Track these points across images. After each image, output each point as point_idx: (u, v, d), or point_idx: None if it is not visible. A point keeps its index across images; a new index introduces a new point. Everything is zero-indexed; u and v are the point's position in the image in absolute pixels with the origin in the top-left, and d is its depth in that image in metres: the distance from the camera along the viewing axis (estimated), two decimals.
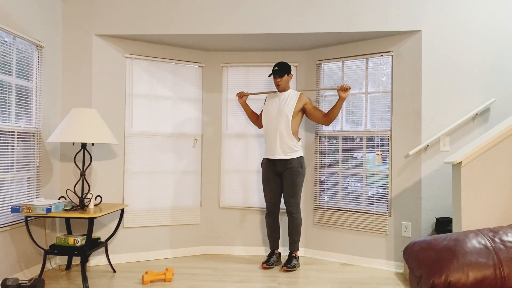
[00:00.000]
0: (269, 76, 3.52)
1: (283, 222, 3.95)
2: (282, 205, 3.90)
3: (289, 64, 4.01)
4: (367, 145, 3.68)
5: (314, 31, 3.47)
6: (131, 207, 3.72)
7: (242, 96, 3.70)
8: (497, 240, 1.74)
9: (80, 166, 3.55)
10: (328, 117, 3.45)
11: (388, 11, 3.41)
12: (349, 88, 3.33)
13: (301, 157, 3.50)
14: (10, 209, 2.97)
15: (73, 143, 3.54)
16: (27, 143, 3.16)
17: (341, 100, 3.37)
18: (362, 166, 3.70)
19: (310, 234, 3.96)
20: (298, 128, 3.53)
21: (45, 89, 3.37)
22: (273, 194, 3.58)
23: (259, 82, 4.05)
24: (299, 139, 3.52)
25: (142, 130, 3.78)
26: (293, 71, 4.04)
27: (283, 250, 3.96)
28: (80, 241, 3.08)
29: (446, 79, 3.39)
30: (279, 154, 3.48)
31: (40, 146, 3.31)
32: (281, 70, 3.48)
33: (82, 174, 3.22)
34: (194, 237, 4.00)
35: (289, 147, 3.45)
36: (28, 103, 3.19)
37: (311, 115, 3.52)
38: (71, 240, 3.08)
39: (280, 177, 3.56)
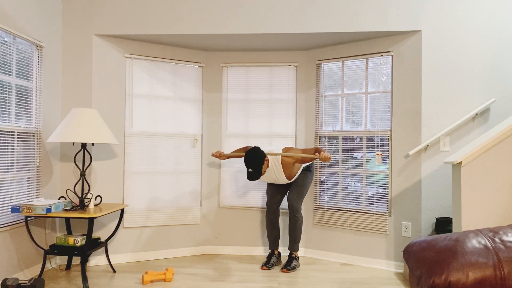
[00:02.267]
0: (248, 179, 3.21)
1: (283, 222, 3.95)
2: (283, 205, 3.90)
3: (288, 64, 4.01)
4: (367, 145, 3.68)
5: (314, 31, 3.47)
6: (131, 207, 3.72)
7: (220, 156, 3.52)
8: (497, 240, 1.74)
9: (80, 166, 3.55)
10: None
11: (388, 11, 3.41)
12: (329, 159, 3.14)
13: (310, 163, 3.55)
14: (10, 209, 2.97)
15: (73, 143, 3.54)
16: (27, 143, 3.16)
17: (313, 158, 3.22)
18: (362, 166, 3.70)
19: (310, 234, 3.96)
20: (297, 165, 3.40)
21: (45, 89, 3.37)
22: (277, 194, 3.59)
23: (259, 82, 4.05)
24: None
25: (142, 130, 3.78)
26: (293, 71, 4.04)
27: (283, 250, 3.95)
28: (80, 241, 3.08)
29: (446, 79, 3.39)
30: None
31: (40, 146, 3.31)
32: (257, 171, 3.17)
33: (82, 174, 3.22)
34: (194, 237, 4.00)
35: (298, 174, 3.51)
36: (28, 103, 3.19)
37: (302, 163, 3.38)
38: (71, 240, 3.08)
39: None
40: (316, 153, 3.21)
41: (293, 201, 3.47)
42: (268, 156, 3.33)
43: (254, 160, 3.17)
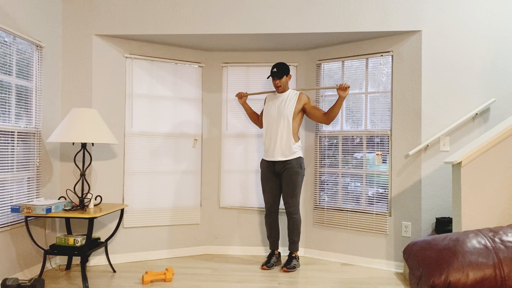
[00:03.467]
0: (268, 78, 3.51)
1: (283, 222, 3.95)
2: (282, 205, 3.90)
3: (288, 64, 4.01)
4: (367, 145, 3.68)
5: (314, 31, 3.47)
6: (131, 207, 3.72)
7: (241, 96, 3.69)
8: (497, 240, 1.74)
9: (80, 166, 3.55)
10: (328, 116, 3.43)
11: (388, 11, 3.41)
12: (348, 87, 3.31)
13: (300, 157, 3.49)
14: (10, 209, 2.97)
15: (73, 143, 3.54)
16: (27, 143, 3.16)
17: (340, 99, 3.35)
18: (362, 166, 3.70)
19: (310, 234, 3.96)
20: (298, 128, 3.53)
21: (45, 89, 3.37)
22: (272, 195, 3.57)
23: (259, 82, 4.05)
24: (299, 139, 3.52)
25: (142, 130, 3.78)
26: (293, 71, 4.04)
27: (283, 250, 3.96)
28: (80, 241, 3.08)
29: (446, 79, 3.39)
30: (278, 156, 3.48)
31: (40, 146, 3.31)
32: (279, 72, 3.45)
33: (82, 174, 3.22)
34: (194, 237, 4.00)
35: (289, 149, 3.44)
36: (28, 103, 3.19)
37: (311, 115, 3.51)
38: (71, 240, 3.08)
39: (279, 178, 3.55)
40: (336, 84, 3.54)
41: (288, 202, 3.47)
42: (289, 87, 3.62)
43: (282, 64, 3.49)
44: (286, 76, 3.49)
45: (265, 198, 3.61)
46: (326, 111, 3.48)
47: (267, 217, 3.63)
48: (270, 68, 4.04)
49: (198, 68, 4.05)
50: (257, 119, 3.78)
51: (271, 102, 3.58)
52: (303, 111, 3.54)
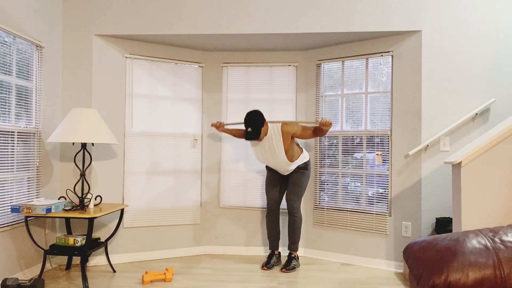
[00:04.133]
0: (246, 139, 3.27)
1: (283, 222, 3.95)
2: (283, 205, 3.90)
3: (288, 64, 4.01)
4: (367, 145, 3.68)
5: (314, 31, 3.47)
6: (131, 207, 3.72)
7: (218, 126, 3.54)
8: (497, 240, 1.74)
9: (80, 166, 3.55)
10: (316, 135, 3.34)
11: (388, 11, 3.41)
12: (331, 124, 3.15)
13: (306, 162, 3.53)
14: (10, 209, 2.97)
15: (73, 143, 3.54)
16: (27, 143, 3.16)
17: (323, 130, 3.25)
18: (362, 166, 3.70)
19: (310, 234, 3.96)
20: (295, 147, 3.46)
21: (45, 89, 3.37)
22: (276, 192, 3.59)
23: (259, 82, 4.05)
24: (300, 150, 3.51)
25: (142, 130, 3.78)
26: (293, 71, 4.04)
27: (283, 250, 3.95)
28: (80, 241, 3.08)
29: (446, 79, 3.39)
30: (284, 173, 3.55)
31: (40, 146, 3.30)
32: (256, 131, 3.19)
33: (82, 174, 3.22)
34: (194, 237, 4.00)
35: (294, 166, 3.47)
36: (28, 103, 3.19)
37: (301, 137, 3.39)
38: (71, 240, 3.08)
39: (286, 178, 3.61)
40: (317, 120, 3.25)
41: (292, 201, 3.48)
42: (268, 124, 3.34)
43: (254, 119, 3.18)
44: (263, 127, 3.24)
45: (268, 196, 3.62)
46: (314, 130, 3.32)
47: (268, 216, 3.63)
48: (270, 68, 4.03)
49: (198, 68, 4.05)
50: (243, 134, 3.65)
51: (255, 145, 3.42)
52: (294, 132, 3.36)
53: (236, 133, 3.66)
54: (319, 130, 3.29)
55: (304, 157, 3.51)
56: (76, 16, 3.57)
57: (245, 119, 3.23)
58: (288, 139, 3.31)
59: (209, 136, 4.07)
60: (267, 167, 3.67)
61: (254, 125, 3.18)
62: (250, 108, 4.05)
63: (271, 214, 3.62)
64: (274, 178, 3.61)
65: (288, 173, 3.54)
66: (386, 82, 3.61)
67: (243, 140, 4.05)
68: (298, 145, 3.55)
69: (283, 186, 3.63)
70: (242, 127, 3.23)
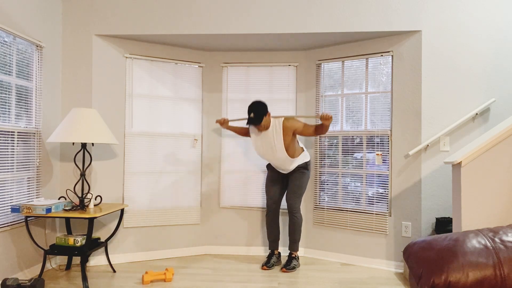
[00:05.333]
0: (247, 124, 3.27)
1: (283, 222, 3.95)
2: (283, 205, 3.90)
3: (288, 64, 4.01)
4: (367, 145, 3.68)
5: (314, 31, 3.47)
6: (131, 207, 3.72)
7: (222, 123, 3.55)
8: (497, 240, 1.74)
9: (80, 166, 3.55)
10: (318, 133, 3.32)
11: (388, 11, 3.41)
12: (331, 118, 3.14)
13: (307, 161, 3.52)
14: (10, 209, 2.97)
15: (73, 143, 3.54)
16: (27, 143, 3.16)
17: (325, 126, 3.24)
18: (362, 166, 3.70)
19: (310, 234, 3.96)
20: (296, 145, 3.45)
21: (45, 89, 3.37)
22: (276, 192, 3.60)
23: (259, 82, 4.05)
24: (301, 149, 3.51)
25: (142, 130, 3.78)
26: (293, 71, 4.04)
27: (283, 250, 3.95)
28: (80, 241, 3.08)
29: (446, 79, 3.39)
30: (284, 172, 3.56)
31: (40, 146, 3.30)
32: (258, 117, 3.21)
33: (82, 174, 3.22)
34: (194, 237, 4.00)
35: (294, 164, 3.46)
36: (28, 103, 3.19)
37: (302, 134, 3.37)
38: (71, 240, 3.08)
39: (287, 177, 3.61)
40: (317, 113, 3.24)
41: (292, 200, 3.48)
42: (271, 118, 3.36)
43: (258, 106, 3.23)
44: (265, 116, 3.26)
45: (268, 196, 3.62)
46: (316, 127, 3.30)
47: (268, 216, 3.63)
48: (270, 68, 4.03)
49: (198, 68, 4.05)
50: (246, 133, 3.67)
51: (258, 137, 3.42)
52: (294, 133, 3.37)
53: (239, 131, 3.68)
54: (320, 128, 3.27)
55: (305, 157, 3.51)
56: (76, 16, 3.57)
57: (250, 105, 3.27)
58: (289, 135, 3.31)
59: (209, 136, 4.07)
60: (268, 166, 3.67)
61: (257, 111, 3.22)
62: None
63: (271, 214, 3.62)
64: (275, 178, 3.61)
65: (289, 172, 3.54)
66: (386, 82, 3.61)
67: (243, 140, 4.05)
68: (299, 143, 3.55)
69: (283, 186, 3.64)
70: (246, 124, 3.27)
